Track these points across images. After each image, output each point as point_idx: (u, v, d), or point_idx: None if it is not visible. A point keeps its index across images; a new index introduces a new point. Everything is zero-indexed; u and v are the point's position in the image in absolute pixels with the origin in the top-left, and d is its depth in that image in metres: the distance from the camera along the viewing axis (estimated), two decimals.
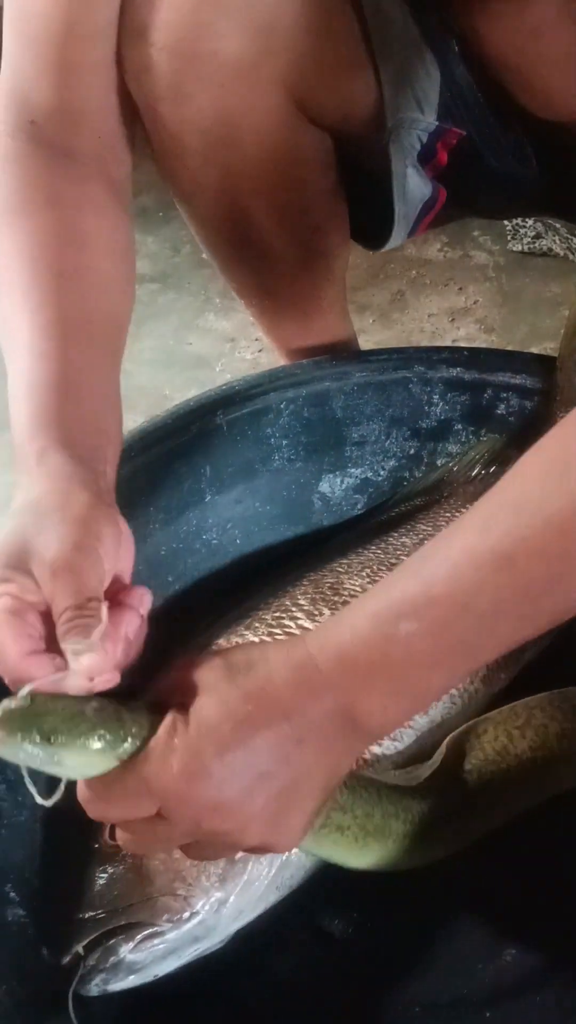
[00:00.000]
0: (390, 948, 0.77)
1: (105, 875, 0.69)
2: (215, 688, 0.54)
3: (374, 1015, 0.75)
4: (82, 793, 0.55)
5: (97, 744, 0.53)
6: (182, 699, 0.55)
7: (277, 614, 0.86)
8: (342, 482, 1.04)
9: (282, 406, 0.98)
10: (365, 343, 1.48)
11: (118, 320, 0.76)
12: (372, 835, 0.67)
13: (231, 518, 1.00)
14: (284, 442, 1.00)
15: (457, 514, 0.96)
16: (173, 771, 0.52)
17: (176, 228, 1.68)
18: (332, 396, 0.99)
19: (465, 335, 1.49)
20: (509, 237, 1.59)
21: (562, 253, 1.56)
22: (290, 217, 0.92)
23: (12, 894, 0.71)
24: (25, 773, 0.54)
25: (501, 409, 0.99)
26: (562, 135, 0.83)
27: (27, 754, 0.52)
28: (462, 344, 1.47)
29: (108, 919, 0.67)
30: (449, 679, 0.58)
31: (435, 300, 1.56)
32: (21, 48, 0.75)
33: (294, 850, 0.71)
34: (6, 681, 0.54)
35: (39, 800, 0.55)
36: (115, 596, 0.58)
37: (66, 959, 0.66)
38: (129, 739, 0.54)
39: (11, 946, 0.67)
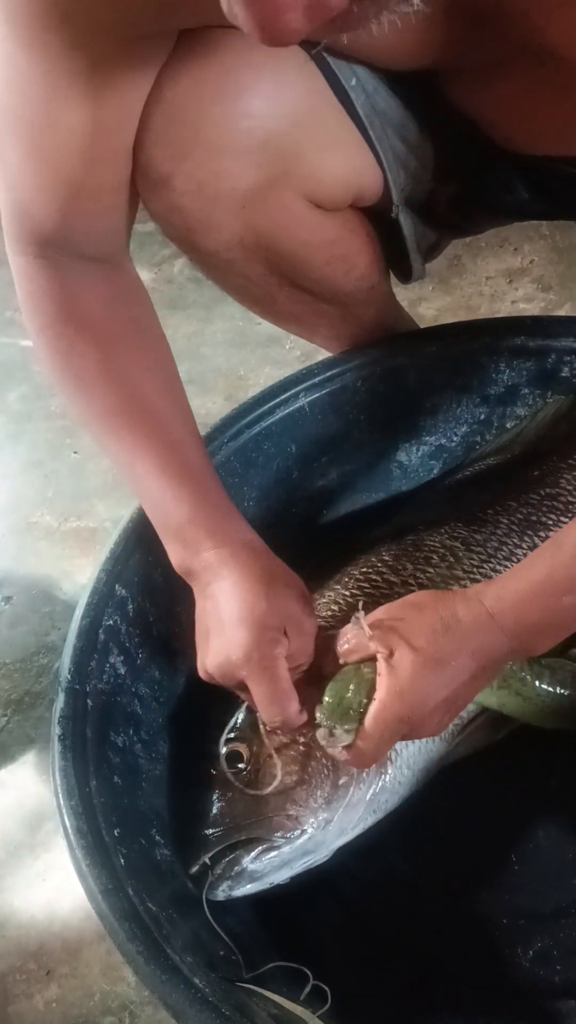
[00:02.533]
0: (486, 863, 0.87)
1: (224, 798, 0.80)
2: (426, 650, 0.73)
3: (480, 921, 0.84)
4: (364, 751, 0.73)
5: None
6: (393, 646, 0.74)
7: (364, 569, 0.94)
8: (418, 450, 1.11)
9: (358, 384, 1.05)
10: (427, 310, 1.54)
11: (186, 403, 0.88)
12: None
13: (316, 490, 1.08)
14: (362, 417, 1.07)
15: (529, 474, 1.02)
16: (409, 700, 0.73)
17: None
18: (405, 371, 1.06)
19: (523, 295, 1.53)
20: None
21: None
22: (335, 281, 0.98)
23: (158, 837, 0.81)
24: None
25: (565, 372, 1.05)
26: (545, 163, 0.91)
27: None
28: (521, 304, 1.52)
29: (229, 835, 0.78)
30: None
31: (492, 262, 1.60)
32: (39, 183, 0.79)
33: (390, 775, 0.83)
34: (275, 708, 0.77)
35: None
36: None
37: (194, 869, 0.78)
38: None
39: (165, 881, 0.78)
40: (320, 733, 0.73)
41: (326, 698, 0.74)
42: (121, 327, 0.85)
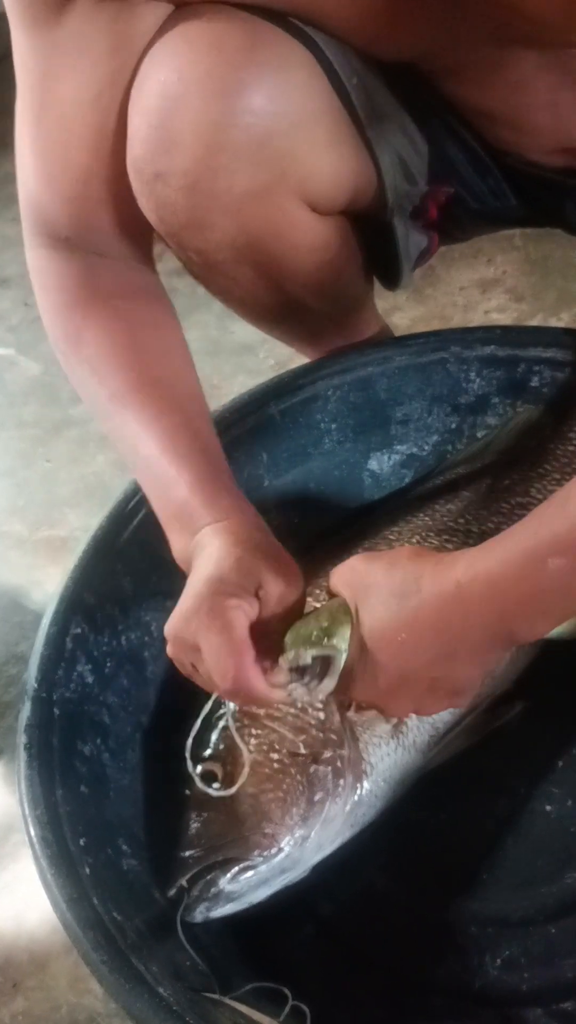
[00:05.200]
0: (456, 872, 0.87)
1: (200, 819, 0.79)
2: (373, 615, 0.67)
3: (450, 931, 0.84)
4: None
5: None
6: (358, 601, 0.68)
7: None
8: (389, 459, 1.11)
9: (329, 392, 1.06)
10: (400, 319, 1.55)
11: (200, 389, 0.87)
12: None
13: (288, 500, 1.08)
14: (333, 426, 1.07)
15: (499, 483, 1.03)
16: (362, 665, 0.68)
17: None
18: (376, 380, 1.06)
19: (496, 305, 1.54)
20: None
21: None
22: (322, 286, 0.98)
23: (125, 847, 0.81)
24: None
25: (534, 382, 1.06)
26: (534, 169, 0.93)
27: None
28: (494, 314, 1.53)
29: (206, 856, 0.77)
30: None
31: (465, 273, 1.61)
32: (46, 171, 0.81)
33: (366, 788, 0.82)
34: (228, 662, 0.67)
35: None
36: None
37: (171, 892, 0.77)
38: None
39: (132, 891, 0.77)
40: (282, 666, 0.69)
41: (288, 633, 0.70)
42: (139, 313, 0.85)
